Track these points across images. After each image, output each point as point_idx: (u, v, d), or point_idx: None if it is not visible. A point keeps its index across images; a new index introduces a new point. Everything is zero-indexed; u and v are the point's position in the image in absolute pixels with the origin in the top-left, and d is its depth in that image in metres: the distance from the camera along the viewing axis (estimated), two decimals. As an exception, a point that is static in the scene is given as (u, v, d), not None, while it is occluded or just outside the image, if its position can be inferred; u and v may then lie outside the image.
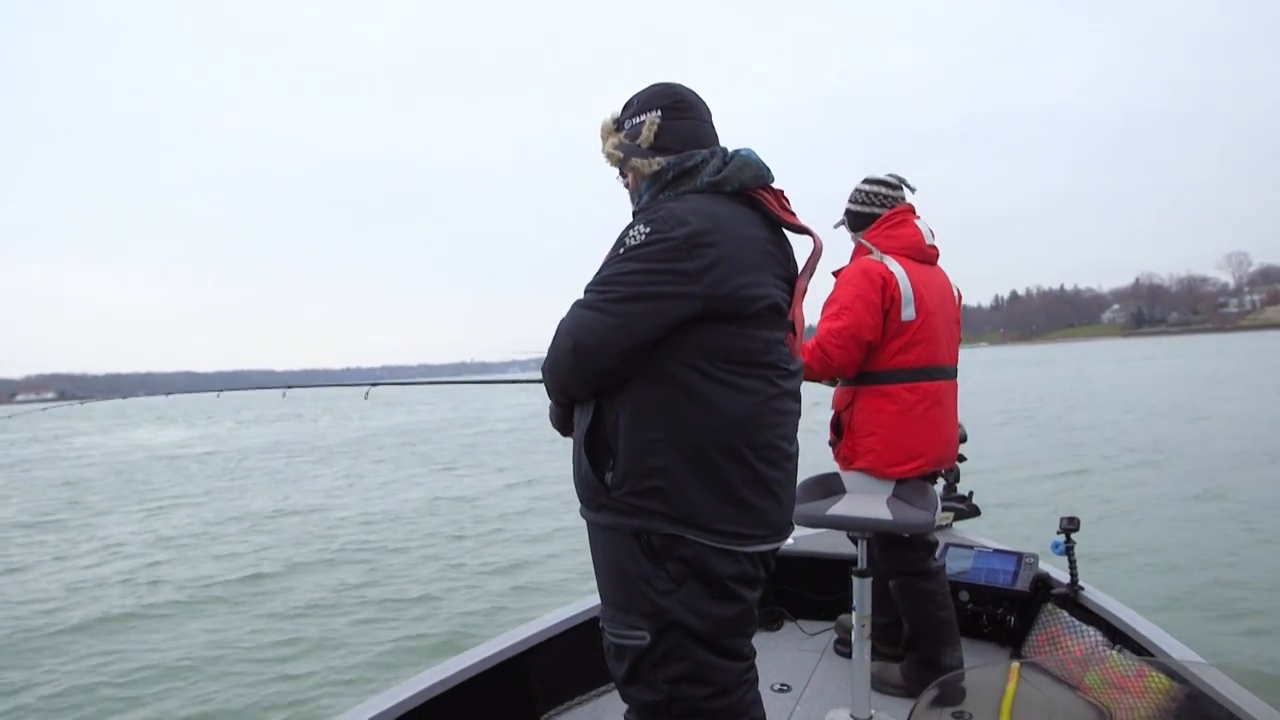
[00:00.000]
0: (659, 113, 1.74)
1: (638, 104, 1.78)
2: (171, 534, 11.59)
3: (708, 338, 1.60)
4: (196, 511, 13.56)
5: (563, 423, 1.84)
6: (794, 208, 1.81)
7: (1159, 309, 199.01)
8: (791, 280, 1.77)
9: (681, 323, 1.57)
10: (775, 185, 1.77)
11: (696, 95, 1.79)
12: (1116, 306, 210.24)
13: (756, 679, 1.79)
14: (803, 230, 1.79)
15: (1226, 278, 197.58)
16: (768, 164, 1.74)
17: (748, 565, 1.67)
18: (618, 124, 1.80)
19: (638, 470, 1.60)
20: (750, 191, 1.71)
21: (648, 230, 1.58)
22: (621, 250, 1.61)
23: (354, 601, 7.57)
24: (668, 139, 1.73)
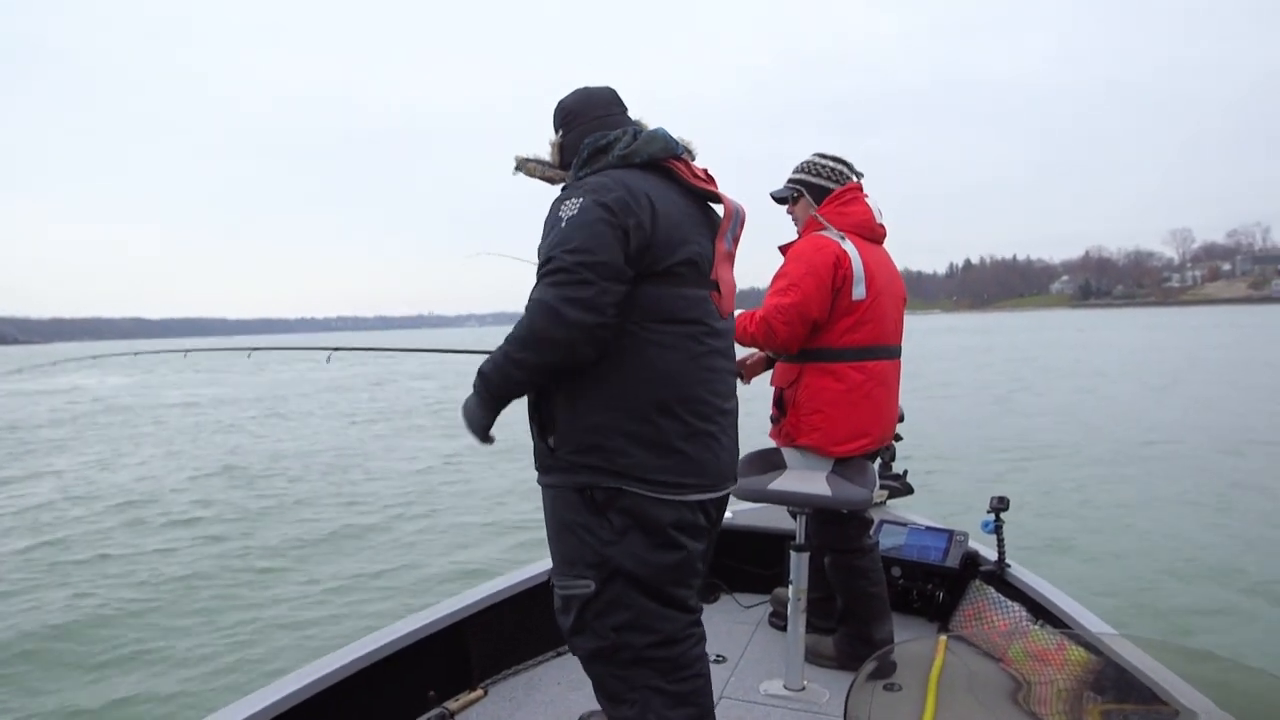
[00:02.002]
0: (560, 134, 1.98)
1: (556, 120, 1.99)
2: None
3: (633, 299, 1.71)
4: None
5: (485, 430, 1.83)
6: (713, 176, 1.95)
7: (1106, 281, 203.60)
8: (713, 239, 1.89)
9: (620, 275, 1.67)
10: (689, 156, 1.91)
11: (584, 97, 1.96)
12: (1066, 278, 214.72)
13: (703, 638, 1.90)
14: (714, 196, 1.92)
15: (1171, 253, 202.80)
16: (677, 138, 1.89)
17: (687, 513, 1.77)
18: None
19: (578, 429, 1.72)
20: (662, 162, 1.83)
21: (580, 199, 1.71)
22: (560, 222, 1.71)
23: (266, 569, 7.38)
24: (568, 154, 1.93)
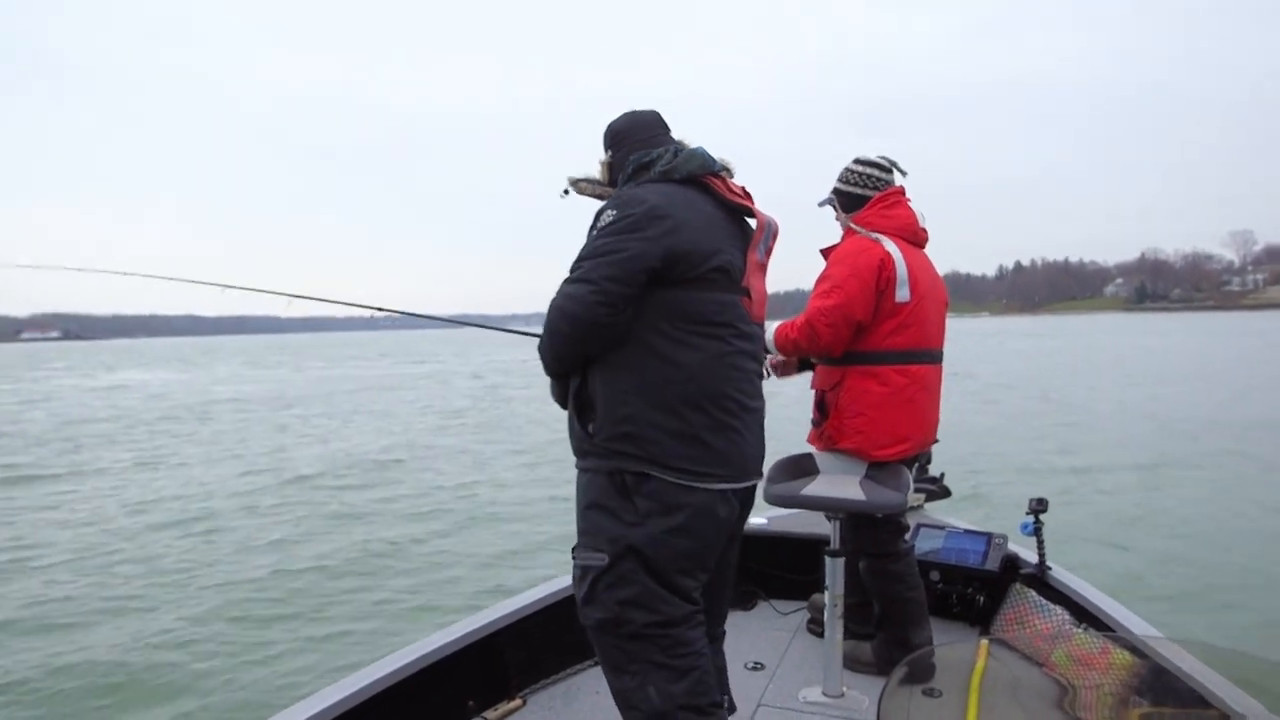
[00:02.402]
0: (609, 154, 2.16)
1: (605, 142, 2.17)
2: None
3: (667, 301, 1.88)
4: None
5: (561, 395, 2.06)
6: (750, 193, 2.11)
7: (1162, 285, 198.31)
8: (745, 249, 2.05)
9: (648, 276, 1.85)
10: (728, 174, 2.08)
11: (631, 119, 2.14)
12: (1120, 281, 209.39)
13: (702, 622, 2.00)
14: (748, 210, 2.08)
15: (1232, 255, 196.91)
16: (715, 157, 2.06)
17: (709, 502, 1.90)
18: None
19: (612, 419, 1.88)
20: (699, 178, 2.01)
21: (615, 212, 1.90)
22: (595, 231, 1.92)
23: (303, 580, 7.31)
24: (616, 172, 2.12)
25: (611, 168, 2.15)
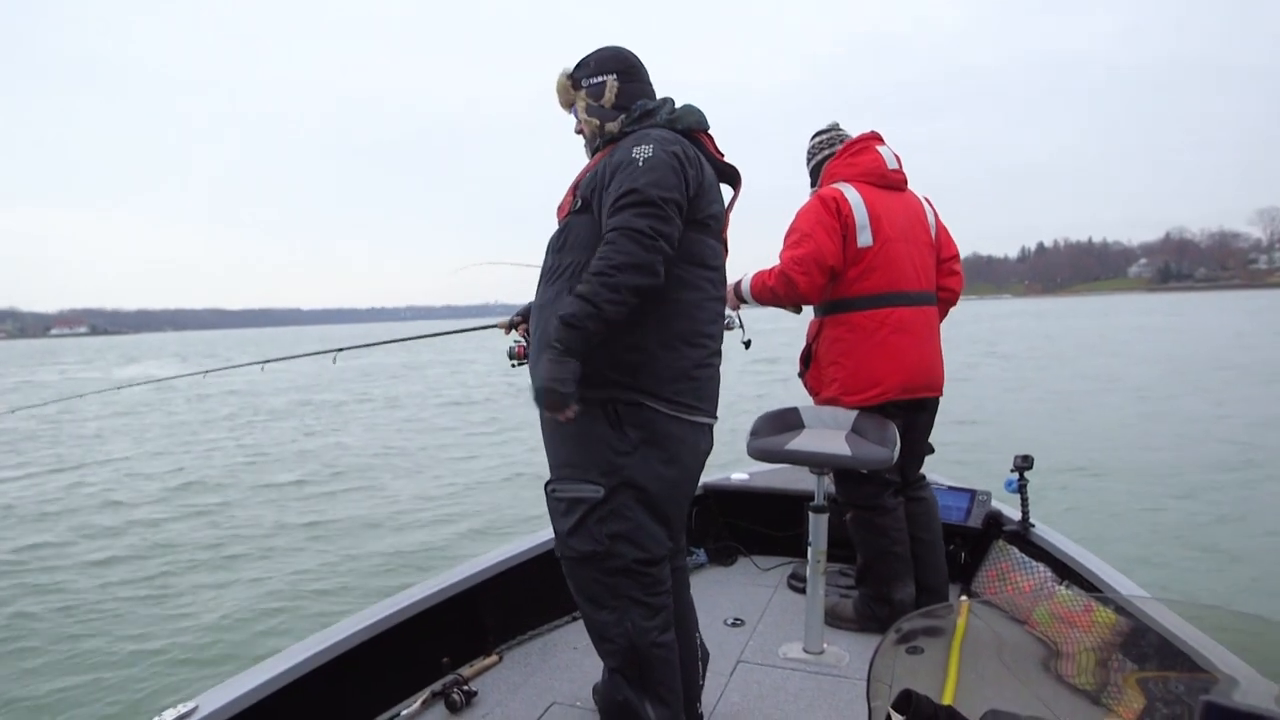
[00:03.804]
0: (616, 76, 2.10)
1: (594, 65, 2.12)
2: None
3: (679, 242, 1.90)
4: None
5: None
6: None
7: (1187, 264, 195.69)
8: (723, 205, 2.11)
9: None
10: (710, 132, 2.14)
11: (637, 60, 2.14)
12: (1144, 261, 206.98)
13: (673, 574, 2.07)
14: (731, 168, 2.13)
15: (1259, 234, 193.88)
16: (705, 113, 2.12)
17: (690, 434, 1.97)
18: (574, 81, 2.13)
19: (617, 348, 1.88)
20: (693, 132, 2.08)
21: (651, 146, 1.89)
22: (639, 163, 1.86)
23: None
24: (624, 100, 2.10)
25: (619, 94, 2.09)
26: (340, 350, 3.41)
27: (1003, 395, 15.31)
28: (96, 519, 8.78)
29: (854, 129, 3.09)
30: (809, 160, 3.12)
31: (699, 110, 2.11)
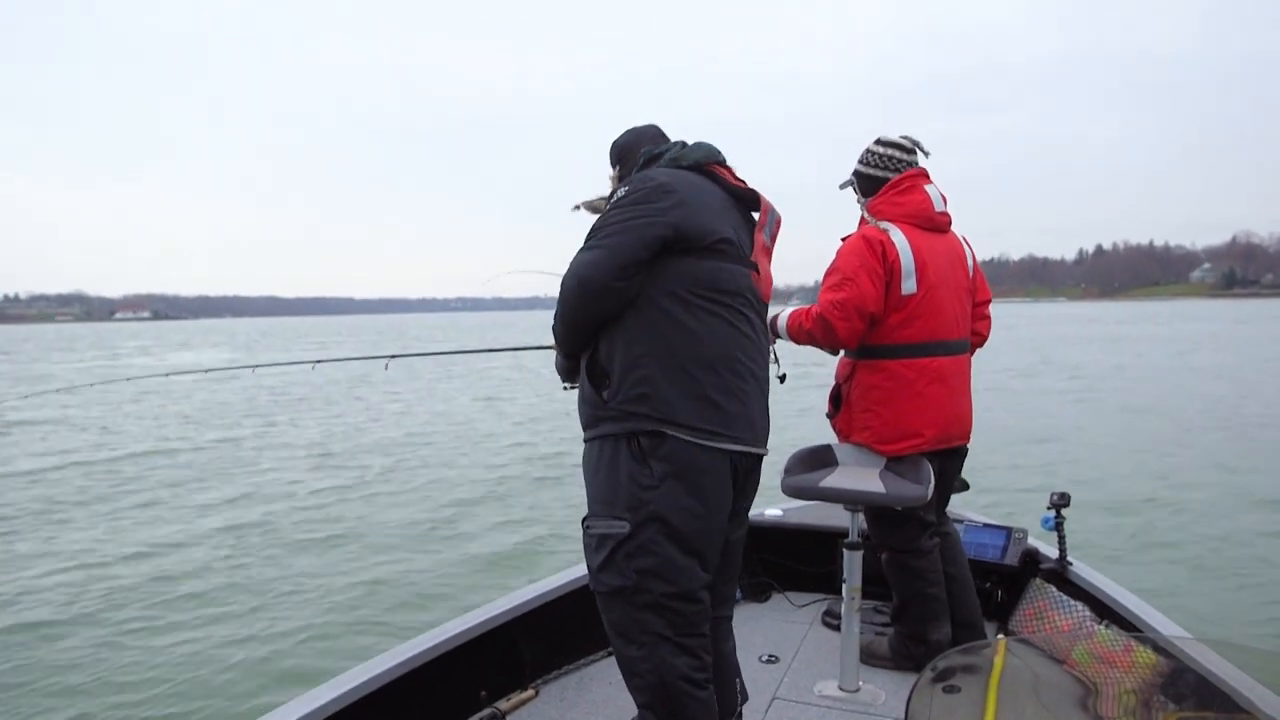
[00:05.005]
0: (616, 169, 2.30)
1: (612, 157, 2.32)
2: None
3: (680, 268, 1.95)
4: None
5: (568, 373, 2.20)
6: (746, 180, 2.21)
7: (1254, 269, 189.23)
8: (751, 232, 2.14)
9: (658, 245, 1.92)
10: (729, 164, 2.19)
11: (635, 134, 2.28)
12: (1208, 265, 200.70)
13: (716, 624, 2.08)
14: (753, 197, 2.15)
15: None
16: (720, 148, 2.18)
17: (721, 462, 1.95)
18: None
19: (627, 381, 1.93)
20: (705, 166, 2.11)
21: (627, 188, 2.00)
22: (609, 207, 2.01)
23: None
24: (627, 174, 2.22)
25: (620, 180, 2.23)
26: (393, 357, 3.71)
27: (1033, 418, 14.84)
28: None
29: (902, 125, 3.04)
30: (867, 165, 2.93)
31: (707, 145, 2.16)
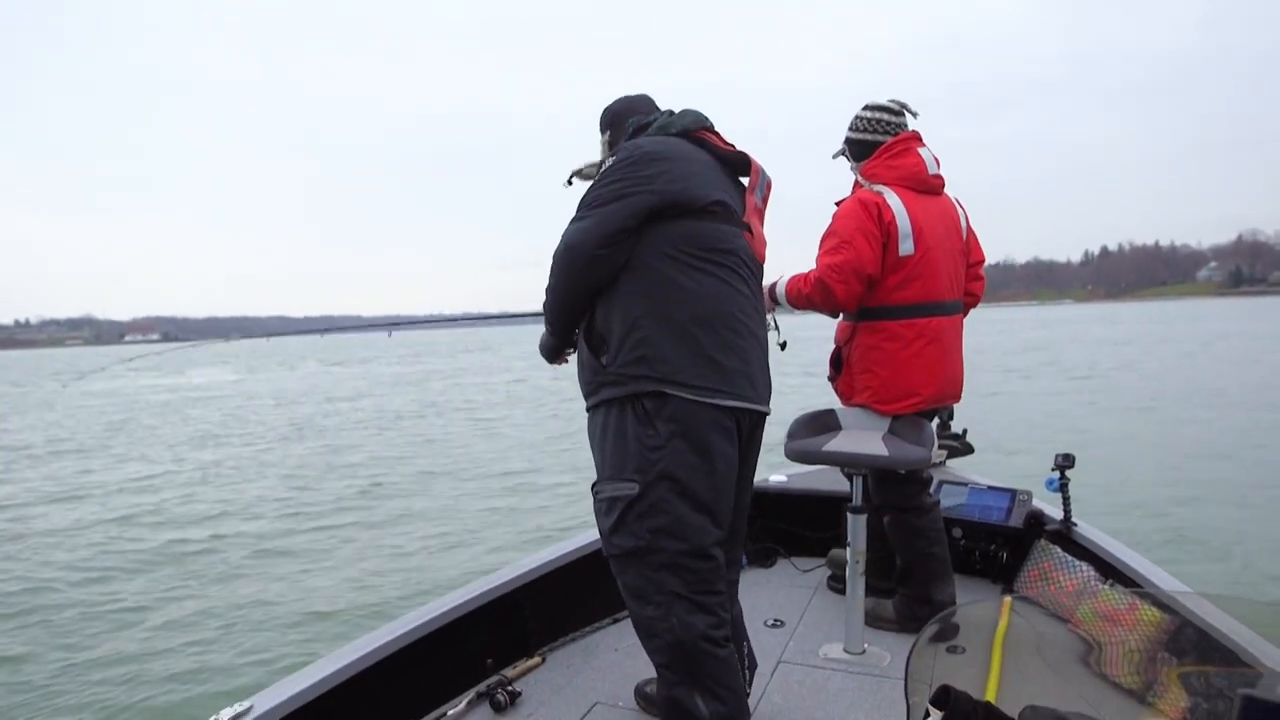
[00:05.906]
0: (606, 134, 2.31)
1: (603, 123, 2.33)
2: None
3: (673, 230, 1.96)
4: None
5: (553, 352, 2.27)
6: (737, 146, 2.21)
7: (1260, 267, 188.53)
8: (742, 195, 2.16)
9: (647, 213, 1.93)
10: (717, 130, 2.19)
11: (626, 101, 2.30)
12: (1214, 264, 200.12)
13: (727, 574, 2.05)
14: (740, 155, 2.15)
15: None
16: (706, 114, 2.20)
17: (724, 419, 1.96)
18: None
19: (626, 344, 1.94)
20: (693, 133, 2.12)
21: (615, 158, 2.01)
22: (598, 176, 2.02)
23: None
24: (615, 149, 2.18)
25: (611, 145, 2.26)
26: (395, 327, 3.99)
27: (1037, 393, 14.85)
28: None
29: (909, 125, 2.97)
30: (856, 131, 2.94)
31: (694, 111, 2.18)
